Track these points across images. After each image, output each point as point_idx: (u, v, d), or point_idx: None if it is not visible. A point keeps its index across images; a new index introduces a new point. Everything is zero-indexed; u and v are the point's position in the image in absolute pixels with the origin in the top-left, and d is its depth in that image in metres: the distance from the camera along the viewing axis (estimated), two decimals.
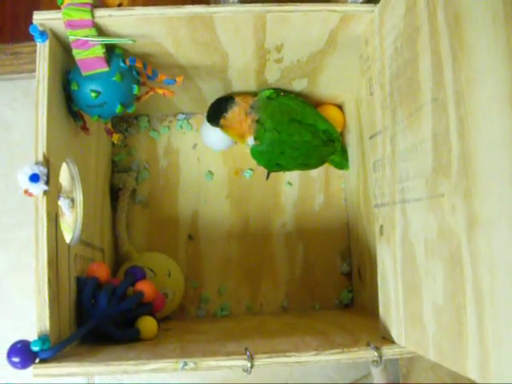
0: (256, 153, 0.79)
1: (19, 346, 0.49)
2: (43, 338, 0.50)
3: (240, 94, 0.80)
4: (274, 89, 0.79)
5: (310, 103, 0.83)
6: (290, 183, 0.88)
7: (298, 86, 0.79)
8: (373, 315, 0.61)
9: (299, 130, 0.78)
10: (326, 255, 0.87)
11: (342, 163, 0.86)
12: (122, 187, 0.83)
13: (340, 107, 0.88)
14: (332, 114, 0.87)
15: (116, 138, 0.70)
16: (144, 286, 0.64)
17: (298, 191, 0.89)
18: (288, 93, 0.81)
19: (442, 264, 0.44)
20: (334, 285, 0.87)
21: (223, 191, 0.88)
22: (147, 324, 0.63)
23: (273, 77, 0.75)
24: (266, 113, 0.77)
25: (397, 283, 0.53)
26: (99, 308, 0.59)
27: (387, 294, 0.55)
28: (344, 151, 0.86)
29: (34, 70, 0.55)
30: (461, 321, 0.41)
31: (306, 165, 0.83)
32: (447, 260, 0.43)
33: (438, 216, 0.44)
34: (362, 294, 0.81)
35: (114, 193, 0.83)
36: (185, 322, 0.78)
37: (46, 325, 0.51)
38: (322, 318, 0.76)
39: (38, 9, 0.56)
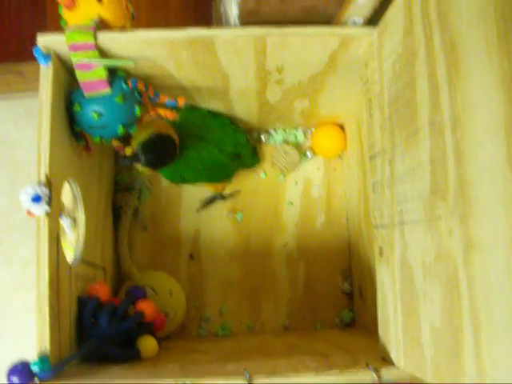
0: None
1: (19, 366, 0.49)
2: (43, 359, 0.50)
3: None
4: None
5: (222, 116, 0.82)
6: (291, 202, 0.89)
7: (300, 106, 0.79)
8: (374, 335, 0.60)
9: (205, 146, 0.77)
10: (327, 274, 0.87)
11: (253, 162, 0.88)
12: (124, 206, 0.84)
13: (341, 127, 0.89)
14: (333, 133, 0.87)
15: (129, 151, 0.70)
16: (145, 306, 0.65)
17: (299, 210, 0.89)
18: (195, 108, 0.80)
19: (440, 287, 0.44)
20: (335, 304, 0.86)
21: (224, 210, 0.88)
22: (147, 344, 0.63)
23: (274, 97, 0.75)
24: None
25: (396, 304, 0.53)
26: (100, 328, 0.59)
27: (386, 314, 0.55)
28: (253, 151, 0.87)
29: (38, 89, 0.56)
30: (458, 344, 0.41)
31: (212, 178, 0.82)
32: (445, 283, 0.43)
33: (435, 239, 0.45)
34: (363, 313, 0.81)
35: (116, 211, 0.84)
36: (186, 342, 0.78)
37: (47, 345, 0.51)
38: (323, 337, 0.76)
39: (44, 29, 0.57)
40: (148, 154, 0.68)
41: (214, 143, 0.78)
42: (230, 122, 0.82)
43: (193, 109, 0.79)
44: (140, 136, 0.69)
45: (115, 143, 0.69)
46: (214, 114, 0.80)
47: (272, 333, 0.84)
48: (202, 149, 0.77)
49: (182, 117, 0.76)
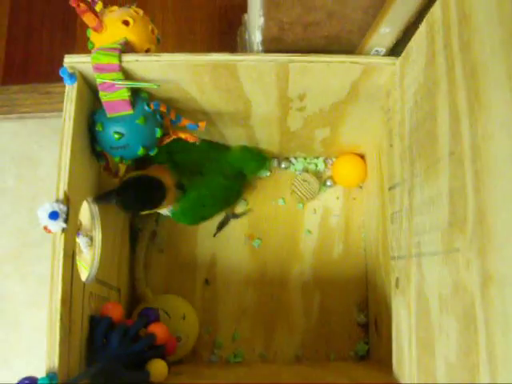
0: (179, 216, 0.76)
1: (26, 382, 0.49)
2: (51, 376, 0.50)
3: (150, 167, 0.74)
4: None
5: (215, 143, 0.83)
6: (309, 231, 0.88)
7: (320, 134, 0.79)
8: (388, 369, 0.59)
9: (212, 178, 0.78)
10: (342, 305, 0.86)
11: (258, 166, 0.87)
12: (142, 228, 0.84)
13: (362, 157, 0.88)
14: (354, 163, 0.87)
15: (123, 168, 0.71)
16: (157, 329, 0.64)
17: (317, 239, 0.88)
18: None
19: (456, 321, 0.43)
20: (349, 336, 0.85)
21: (242, 237, 0.88)
22: (157, 367, 0.62)
23: (295, 125, 0.75)
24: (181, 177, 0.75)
25: (411, 338, 0.52)
26: (110, 348, 0.59)
27: (401, 348, 0.54)
28: (257, 159, 0.86)
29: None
30: (474, 380, 0.40)
31: (227, 204, 0.85)
32: (461, 317, 0.42)
33: (452, 271, 0.44)
34: (378, 346, 0.79)
35: (134, 233, 0.84)
36: (197, 367, 0.77)
37: (55, 362, 0.51)
38: (336, 369, 0.74)
39: (73, 53, 0.58)
40: (126, 192, 0.65)
41: (216, 172, 0.79)
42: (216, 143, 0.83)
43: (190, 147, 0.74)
44: (130, 174, 0.69)
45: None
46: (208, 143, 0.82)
47: (284, 362, 0.83)
48: (212, 182, 0.78)
49: (184, 158, 0.77)
